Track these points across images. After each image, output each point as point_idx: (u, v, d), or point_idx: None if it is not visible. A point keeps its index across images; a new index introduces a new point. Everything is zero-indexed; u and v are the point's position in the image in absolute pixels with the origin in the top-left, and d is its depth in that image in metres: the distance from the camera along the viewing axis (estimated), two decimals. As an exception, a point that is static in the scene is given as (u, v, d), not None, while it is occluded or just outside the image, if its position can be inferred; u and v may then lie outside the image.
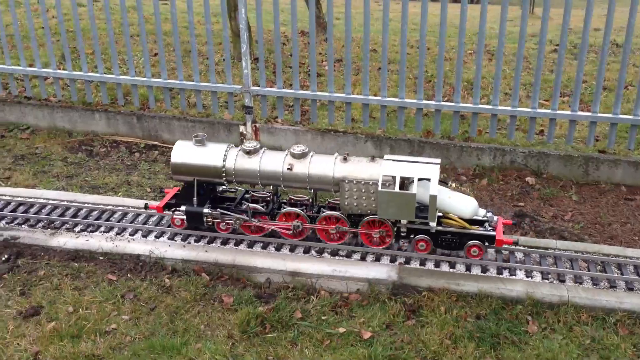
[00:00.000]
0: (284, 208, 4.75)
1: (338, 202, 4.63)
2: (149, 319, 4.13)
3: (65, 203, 5.43)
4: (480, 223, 4.52)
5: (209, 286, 4.49)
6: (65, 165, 6.57)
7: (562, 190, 6.04)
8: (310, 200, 4.83)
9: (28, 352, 3.81)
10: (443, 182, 4.51)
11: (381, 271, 4.51)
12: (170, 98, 7.31)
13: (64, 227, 5.12)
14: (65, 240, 4.92)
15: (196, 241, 4.91)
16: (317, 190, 4.68)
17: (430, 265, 4.59)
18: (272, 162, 4.56)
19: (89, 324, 4.03)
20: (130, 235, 5.00)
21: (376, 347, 3.89)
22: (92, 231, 5.06)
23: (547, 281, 4.45)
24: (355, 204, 4.46)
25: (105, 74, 7.33)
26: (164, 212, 4.91)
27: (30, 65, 7.66)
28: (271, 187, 4.76)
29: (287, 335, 4.02)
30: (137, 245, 4.84)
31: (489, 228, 4.49)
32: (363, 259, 4.68)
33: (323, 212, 4.67)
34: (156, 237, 4.97)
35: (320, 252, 4.76)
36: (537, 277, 4.50)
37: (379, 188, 4.24)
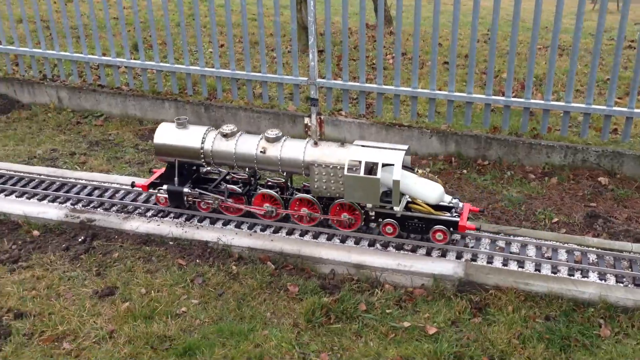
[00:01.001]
0: (260, 190, 4.87)
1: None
2: (217, 304, 4.22)
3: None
4: (448, 209, 4.59)
5: (275, 275, 4.55)
6: (136, 152, 6.78)
7: (637, 191, 5.82)
8: (286, 183, 4.94)
9: (104, 330, 3.96)
10: (410, 168, 4.59)
11: (447, 267, 4.47)
12: (236, 89, 7.42)
13: (136, 211, 5.28)
14: (138, 225, 5.08)
15: (262, 230, 4.98)
16: (290, 174, 4.83)
17: (497, 264, 4.52)
18: (247, 145, 4.72)
19: (160, 306, 4.16)
20: (198, 222, 5.11)
21: (441, 343, 3.86)
22: (162, 217, 5.21)
23: (621, 285, 4.31)
24: (324, 187, 4.59)
25: (175, 64, 7.51)
26: (149, 191, 5.16)
27: (104, 55, 7.92)
28: (247, 169, 4.91)
29: (351, 326, 4.04)
30: (206, 233, 4.96)
31: (455, 214, 4.55)
32: (428, 254, 4.65)
33: (296, 194, 4.81)
34: (223, 224, 5.07)
35: (385, 245, 4.76)
36: (611, 280, 4.36)
37: (345, 172, 4.35)
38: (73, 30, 9.49)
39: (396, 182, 4.30)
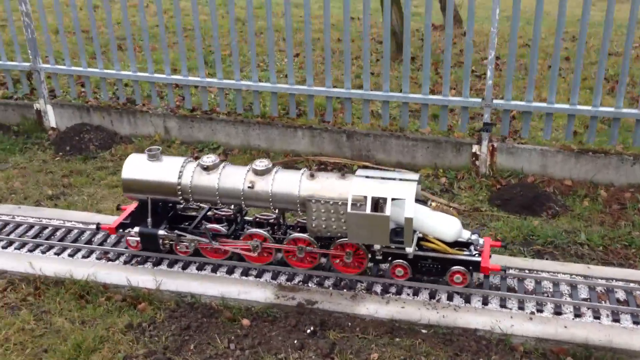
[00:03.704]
0: (248, 229, 4.29)
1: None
2: None
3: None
4: (465, 245, 4.08)
5: (593, 378, 3.50)
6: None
7: None
8: (278, 219, 4.35)
9: None
10: (422, 201, 4.08)
11: None
12: (388, 111, 6.36)
13: (360, 286, 4.19)
14: (376, 308, 4.00)
15: (538, 310, 3.92)
16: (282, 210, 4.27)
17: None
18: (232, 179, 4.18)
19: None
20: (448, 299, 4.06)
21: None
22: (396, 292, 4.13)
23: None
24: (323, 225, 4.03)
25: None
26: (118, 233, 4.51)
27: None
28: (233, 206, 4.30)
29: None
30: (471, 317, 3.90)
31: (475, 252, 4.03)
32: None
33: (290, 234, 4.20)
34: (483, 303, 4.00)
35: None
36: None
37: (348, 209, 3.84)
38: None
39: (409, 220, 3.77)
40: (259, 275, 4.33)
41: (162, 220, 4.39)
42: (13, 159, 6.50)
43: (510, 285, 4.17)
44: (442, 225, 4.01)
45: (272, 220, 4.36)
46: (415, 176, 3.95)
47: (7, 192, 5.74)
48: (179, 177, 4.21)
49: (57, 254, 4.61)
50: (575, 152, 5.96)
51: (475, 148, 6.16)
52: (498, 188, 5.92)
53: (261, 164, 4.15)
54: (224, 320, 4.01)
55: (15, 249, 4.66)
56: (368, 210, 3.79)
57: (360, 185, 3.86)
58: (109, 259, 4.54)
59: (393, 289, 4.16)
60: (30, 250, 4.65)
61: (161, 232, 4.31)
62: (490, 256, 4.01)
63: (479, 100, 6.01)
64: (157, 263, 4.49)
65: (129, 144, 6.90)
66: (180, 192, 4.22)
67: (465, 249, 4.05)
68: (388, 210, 3.77)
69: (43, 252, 4.63)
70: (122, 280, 4.29)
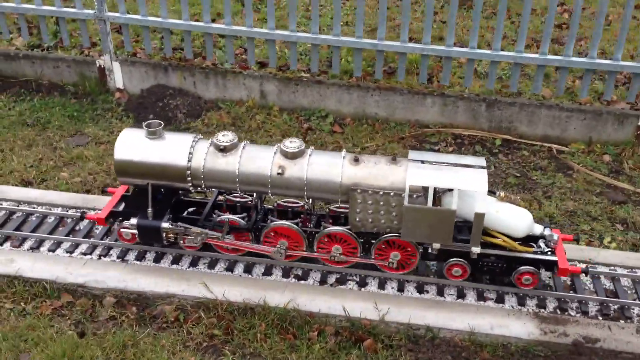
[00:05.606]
0: (271, 221, 3.65)
1: (342, 210, 3.60)
2: None
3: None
4: (533, 240, 3.53)
5: None
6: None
7: None
8: (307, 207, 3.71)
9: None
10: (490, 191, 3.50)
11: None
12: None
13: (633, 312, 3.36)
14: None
15: None
16: (318, 200, 3.65)
17: None
18: (257, 162, 3.51)
19: None
20: None
21: None
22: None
23: None
24: (370, 219, 3.42)
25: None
26: (108, 224, 3.83)
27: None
28: (254, 194, 3.70)
29: None
30: None
31: (547, 249, 3.48)
32: None
33: (324, 226, 3.58)
34: None
35: None
36: None
37: (405, 202, 3.25)
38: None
39: (479, 216, 3.20)
40: (499, 300, 3.43)
41: (164, 209, 3.67)
42: (89, 131, 5.30)
43: None
44: (513, 220, 3.43)
45: (299, 209, 3.69)
46: (482, 161, 3.34)
47: (111, 179, 4.61)
48: (189, 160, 3.49)
49: (229, 269, 3.58)
50: None
51: (646, 119, 5.33)
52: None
53: (292, 144, 3.45)
54: (470, 367, 3.14)
55: (172, 263, 3.61)
56: (429, 203, 3.17)
57: (418, 173, 3.24)
58: (299, 278, 3.55)
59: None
60: (192, 265, 3.61)
61: (165, 224, 3.59)
62: (565, 254, 3.42)
63: (664, 63, 5.15)
64: (362, 284, 3.53)
65: (219, 110, 5.78)
66: (190, 178, 3.51)
67: (532, 244, 3.48)
68: (454, 203, 3.17)
69: (210, 268, 3.59)
70: (335, 308, 3.31)
